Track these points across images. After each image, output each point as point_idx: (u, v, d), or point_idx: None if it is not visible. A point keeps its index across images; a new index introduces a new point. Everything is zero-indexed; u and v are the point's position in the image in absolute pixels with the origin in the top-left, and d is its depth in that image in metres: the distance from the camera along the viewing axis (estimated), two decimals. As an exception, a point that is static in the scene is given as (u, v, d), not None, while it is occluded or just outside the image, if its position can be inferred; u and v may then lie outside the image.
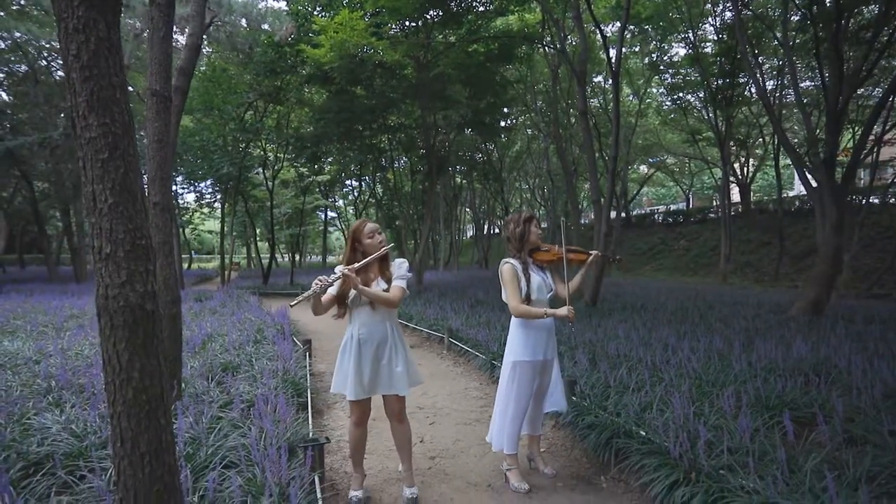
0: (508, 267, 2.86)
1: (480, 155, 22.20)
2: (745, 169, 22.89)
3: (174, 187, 29.14)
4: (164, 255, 3.28)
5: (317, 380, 5.34)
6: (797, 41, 12.87)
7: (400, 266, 2.70)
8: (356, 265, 2.52)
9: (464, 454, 3.44)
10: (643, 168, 33.99)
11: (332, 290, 2.53)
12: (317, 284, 2.36)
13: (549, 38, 14.32)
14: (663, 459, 2.68)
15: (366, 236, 2.64)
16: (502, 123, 20.31)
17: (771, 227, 20.01)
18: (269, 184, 19.78)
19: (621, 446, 3.02)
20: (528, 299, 2.82)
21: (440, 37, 13.73)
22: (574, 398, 3.70)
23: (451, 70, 12.64)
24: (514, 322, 2.94)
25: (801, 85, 17.50)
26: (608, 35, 17.62)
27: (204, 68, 14.48)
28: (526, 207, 40.82)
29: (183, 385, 3.91)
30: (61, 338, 5.98)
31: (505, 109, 17.78)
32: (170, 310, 3.35)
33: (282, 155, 20.31)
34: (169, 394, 1.49)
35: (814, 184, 9.05)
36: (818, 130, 12.39)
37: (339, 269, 2.49)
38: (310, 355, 5.54)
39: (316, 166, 22.77)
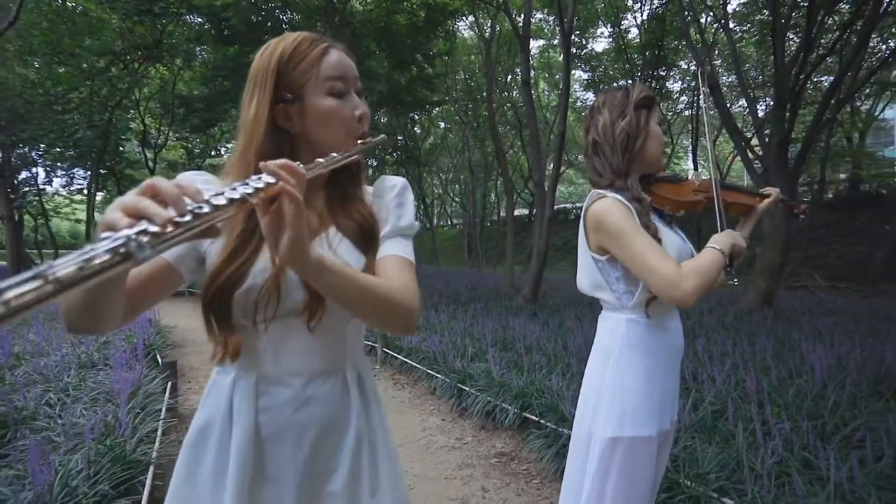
0: (611, 203, 1.15)
1: (400, 138, 20.58)
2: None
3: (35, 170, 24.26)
4: None
5: (181, 430, 3.38)
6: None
7: (400, 196, 0.84)
8: (312, 166, 0.62)
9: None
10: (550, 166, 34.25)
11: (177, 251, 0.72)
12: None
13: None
14: None
15: (324, 79, 0.74)
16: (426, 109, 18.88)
17: (686, 222, 20.49)
18: (151, 164, 16.80)
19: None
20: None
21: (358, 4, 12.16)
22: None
23: (371, 39, 11.08)
24: (621, 342, 1.18)
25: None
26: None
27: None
28: (438, 203, 37.91)
29: None
30: None
31: (426, 95, 16.32)
32: None
33: (166, 129, 17.36)
34: None
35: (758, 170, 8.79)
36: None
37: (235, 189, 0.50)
38: (174, 387, 3.53)
39: (211, 151, 19.80)
